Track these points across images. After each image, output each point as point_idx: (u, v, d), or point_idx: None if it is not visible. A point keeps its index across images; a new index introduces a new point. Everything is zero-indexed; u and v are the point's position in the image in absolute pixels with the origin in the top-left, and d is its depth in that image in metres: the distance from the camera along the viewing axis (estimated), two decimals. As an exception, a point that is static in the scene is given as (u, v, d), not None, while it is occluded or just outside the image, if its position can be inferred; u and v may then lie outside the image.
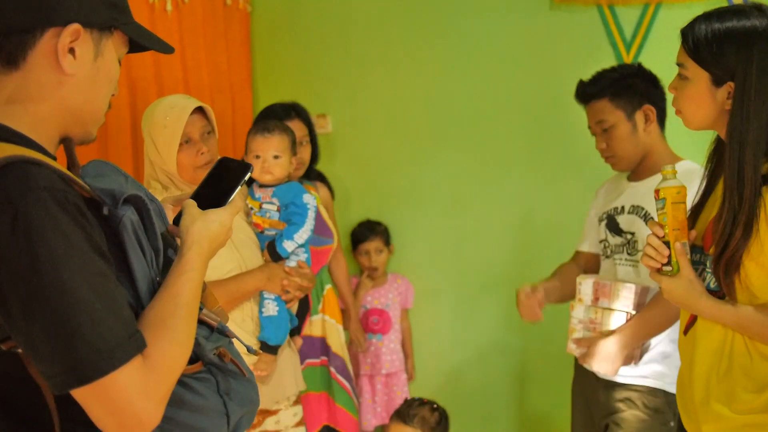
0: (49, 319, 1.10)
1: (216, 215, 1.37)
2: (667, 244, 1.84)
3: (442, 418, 2.99)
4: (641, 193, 2.56)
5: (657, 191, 1.86)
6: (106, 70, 1.30)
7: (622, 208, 2.60)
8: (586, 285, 2.50)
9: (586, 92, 2.60)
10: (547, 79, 3.33)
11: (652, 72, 2.60)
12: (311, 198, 2.63)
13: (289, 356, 2.63)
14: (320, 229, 3.10)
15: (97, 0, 1.27)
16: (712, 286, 1.82)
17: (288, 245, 2.53)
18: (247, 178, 1.44)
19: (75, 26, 1.23)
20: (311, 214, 2.60)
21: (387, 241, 3.63)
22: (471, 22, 3.46)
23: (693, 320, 1.89)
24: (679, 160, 2.55)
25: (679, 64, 1.84)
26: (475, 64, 3.48)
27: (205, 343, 1.36)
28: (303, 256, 2.62)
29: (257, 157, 2.59)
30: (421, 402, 3.03)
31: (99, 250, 1.17)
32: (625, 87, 2.54)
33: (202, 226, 1.34)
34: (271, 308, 2.52)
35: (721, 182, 1.87)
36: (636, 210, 2.56)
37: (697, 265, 1.87)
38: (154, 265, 1.31)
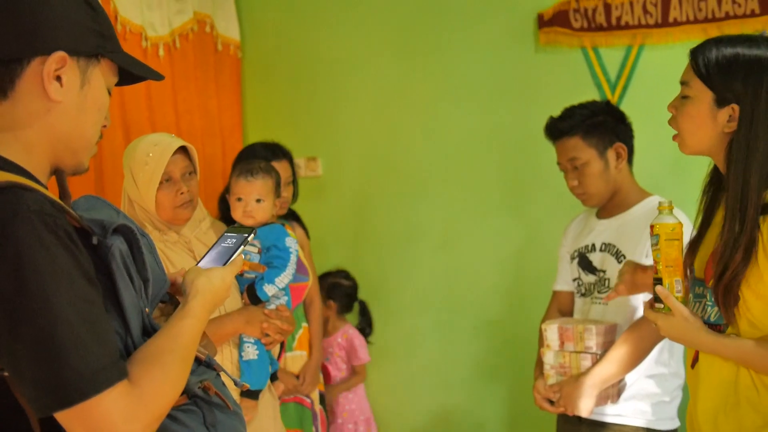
0: (33, 341, 1.11)
1: (218, 272, 1.43)
2: (659, 281, 1.83)
3: None
4: (612, 230, 2.57)
5: (652, 227, 1.86)
6: (94, 98, 1.32)
7: (593, 245, 2.61)
8: (551, 331, 2.51)
9: (558, 128, 2.61)
10: (535, 119, 3.33)
11: (620, 109, 2.64)
12: (293, 241, 2.59)
13: (269, 401, 2.58)
14: (297, 266, 3.10)
15: (82, 28, 1.28)
16: (712, 319, 1.81)
17: (269, 289, 2.50)
18: (251, 239, 1.52)
19: (60, 54, 1.25)
20: (293, 258, 2.56)
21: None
22: (459, 64, 3.51)
23: (698, 354, 1.88)
24: (648, 196, 2.58)
25: (683, 82, 1.86)
26: (464, 104, 3.52)
27: (190, 376, 1.36)
28: (283, 300, 2.58)
29: (239, 200, 2.55)
30: None
31: (87, 275, 1.18)
32: (597, 124, 2.56)
33: (206, 280, 1.39)
34: (251, 352, 2.48)
35: (719, 214, 1.87)
36: (607, 248, 2.57)
37: (699, 298, 1.86)
38: (143, 294, 1.32)
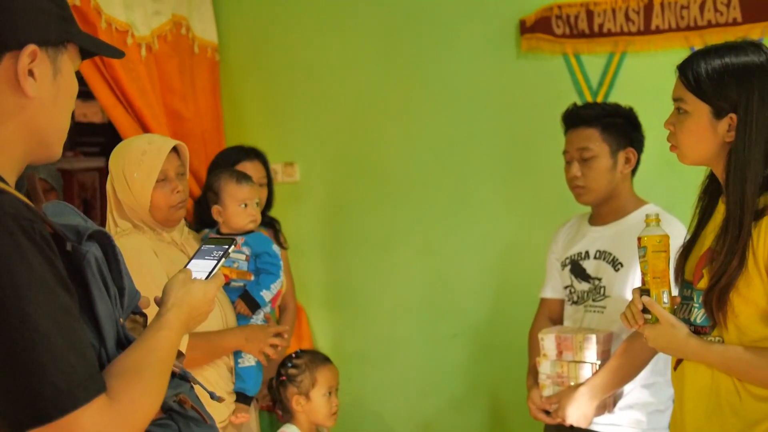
0: (8, 352, 1.06)
1: (200, 285, 1.39)
2: (646, 292, 1.86)
3: None
4: (607, 237, 2.56)
5: (639, 239, 1.89)
6: (66, 86, 1.27)
7: (587, 253, 2.59)
8: (548, 340, 2.49)
9: (579, 115, 2.60)
10: (516, 124, 3.36)
11: (640, 121, 2.63)
12: (278, 248, 2.64)
13: (251, 413, 2.58)
14: None
15: (48, 16, 1.23)
16: (698, 321, 1.83)
17: (266, 295, 2.53)
18: (231, 251, 1.50)
19: (31, 47, 1.19)
20: (282, 264, 2.60)
21: None
22: (440, 69, 3.48)
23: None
24: (644, 204, 2.58)
25: (677, 99, 1.87)
26: (445, 109, 3.49)
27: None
28: (267, 308, 2.60)
29: (245, 205, 2.56)
30: None
31: (64, 283, 1.13)
32: (617, 125, 2.56)
33: (185, 291, 1.36)
34: (250, 358, 2.50)
35: (712, 219, 1.90)
36: (603, 255, 2.55)
37: (687, 300, 1.89)
38: (117, 303, 1.28)
